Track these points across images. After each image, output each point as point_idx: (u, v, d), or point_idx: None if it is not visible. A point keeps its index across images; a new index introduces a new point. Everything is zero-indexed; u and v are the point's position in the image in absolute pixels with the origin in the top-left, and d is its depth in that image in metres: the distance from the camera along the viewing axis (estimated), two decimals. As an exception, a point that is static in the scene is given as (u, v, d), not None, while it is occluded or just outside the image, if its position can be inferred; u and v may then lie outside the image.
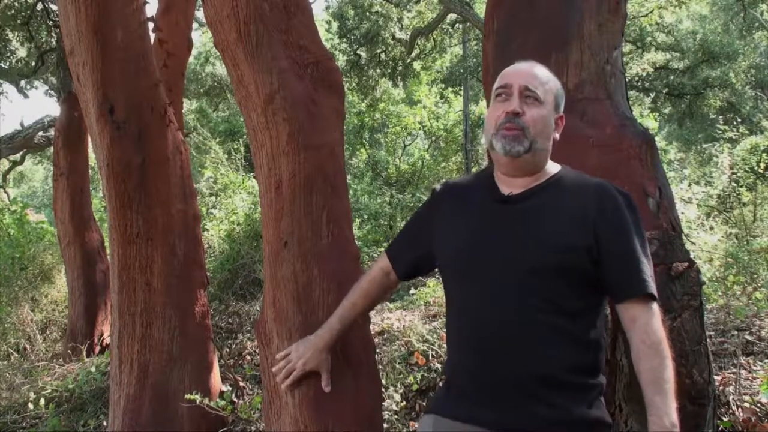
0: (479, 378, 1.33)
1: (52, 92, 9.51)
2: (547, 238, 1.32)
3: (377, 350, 2.88)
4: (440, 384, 2.98)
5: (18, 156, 9.55)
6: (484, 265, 1.36)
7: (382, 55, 12.27)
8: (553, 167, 1.46)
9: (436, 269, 1.59)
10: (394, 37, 11.98)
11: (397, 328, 3.70)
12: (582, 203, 1.36)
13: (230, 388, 3.15)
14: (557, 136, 1.45)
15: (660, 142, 11.80)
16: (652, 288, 1.32)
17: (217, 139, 10.66)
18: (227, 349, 4.20)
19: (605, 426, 1.32)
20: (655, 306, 1.32)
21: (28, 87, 9.68)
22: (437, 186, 1.61)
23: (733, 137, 8.02)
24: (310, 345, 1.73)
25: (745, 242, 5.22)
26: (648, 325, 1.29)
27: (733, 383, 2.41)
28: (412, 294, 4.67)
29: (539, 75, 1.42)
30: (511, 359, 1.30)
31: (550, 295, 1.30)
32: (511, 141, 1.37)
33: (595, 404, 1.31)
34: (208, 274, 3.46)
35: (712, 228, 5.64)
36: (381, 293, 1.70)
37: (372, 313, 3.13)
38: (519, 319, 1.30)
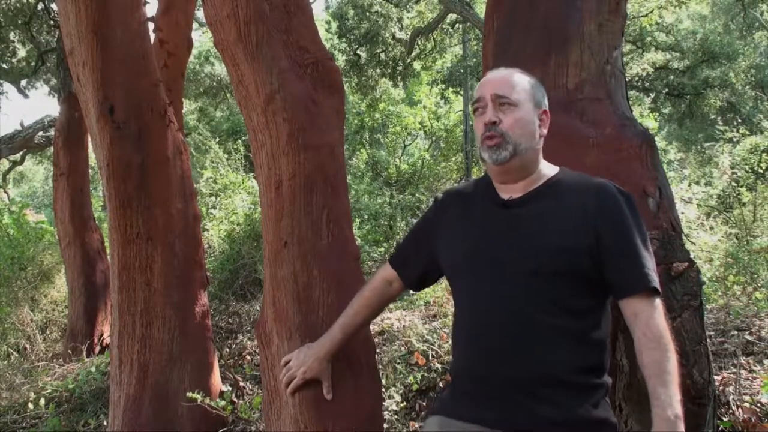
0: (481, 379, 1.34)
1: (52, 92, 9.51)
2: (546, 242, 1.33)
3: (377, 350, 2.88)
4: (440, 384, 3.00)
5: (18, 156, 9.56)
6: (486, 269, 1.37)
7: (382, 55, 12.26)
8: (550, 169, 1.46)
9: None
10: (394, 37, 11.97)
11: (397, 328, 3.70)
12: (581, 204, 1.36)
13: (230, 388, 3.15)
14: (544, 131, 1.46)
15: (660, 142, 11.83)
16: (655, 282, 1.31)
17: (217, 139, 10.66)
18: (227, 349, 4.20)
19: (610, 426, 1.32)
20: (657, 301, 1.32)
21: (31, 88, 9.68)
22: (439, 195, 1.62)
23: (733, 138, 8.01)
24: (311, 353, 1.74)
25: (745, 242, 5.22)
26: (650, 319, 1.29)
27: (733, 383, 2.41)
28: (412, 294, 4.67)
29: (509, 79, 1.43)
30: (511, 360, 1.30)
31: (551, 296, 1.31)
32: (495, 150, 1.39)
33: (601, 404, 1.31)
34: (208, 274, 3.46)
35: (712, 228, 5.64)
36: (383, 303, 1.71)
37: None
38: (519, 321, 1.31)
